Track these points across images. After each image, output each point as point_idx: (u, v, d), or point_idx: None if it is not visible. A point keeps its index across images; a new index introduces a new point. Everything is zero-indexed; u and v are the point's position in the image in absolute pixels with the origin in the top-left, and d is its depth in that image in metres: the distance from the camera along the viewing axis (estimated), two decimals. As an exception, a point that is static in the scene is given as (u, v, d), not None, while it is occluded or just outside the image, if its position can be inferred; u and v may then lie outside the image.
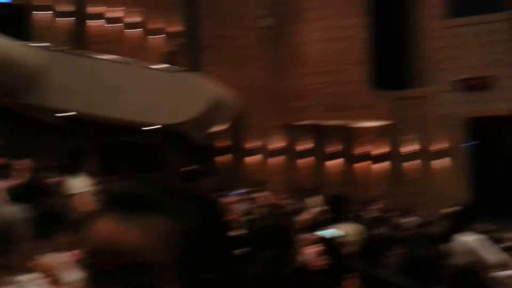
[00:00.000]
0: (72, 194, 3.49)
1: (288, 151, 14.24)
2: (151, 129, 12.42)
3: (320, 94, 13.62)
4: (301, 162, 14.20)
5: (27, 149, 8.89)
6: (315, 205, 7.52)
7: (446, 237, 4.78)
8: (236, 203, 8.05)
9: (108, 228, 0.62)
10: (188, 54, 13.66)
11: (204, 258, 0.64)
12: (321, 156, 14.11)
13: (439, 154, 13.60)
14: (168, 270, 0.61)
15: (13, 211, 1.73)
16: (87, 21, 13.87)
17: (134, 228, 0.62)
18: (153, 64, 12.59)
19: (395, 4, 14.14)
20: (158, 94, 11.65)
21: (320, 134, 14.10)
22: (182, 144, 13.13)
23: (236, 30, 14.06)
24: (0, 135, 10.66)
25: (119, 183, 0.67)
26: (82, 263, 0.63)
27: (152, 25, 14.20)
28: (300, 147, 14.22)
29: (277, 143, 14.26)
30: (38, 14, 13.77)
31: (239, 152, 14.25)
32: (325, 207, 5.45)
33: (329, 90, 13.51)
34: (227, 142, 14.31)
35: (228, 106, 13.23)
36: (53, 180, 6.60)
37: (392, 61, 13.66)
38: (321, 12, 13.81)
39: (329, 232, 3.22)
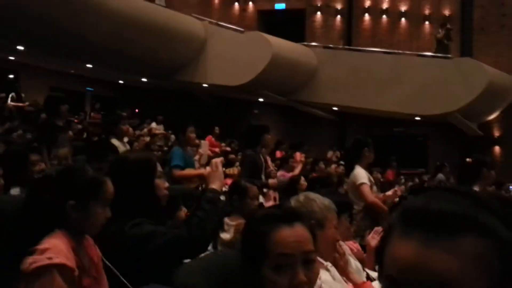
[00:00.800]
0: (360, 184, 3.64)
1: None
2: (419, 120, 12.13)
3: None
4: None
5: (303, 142, 9.65)
6: None
7: None
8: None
9: (412, 251, 0.55)
10: (459, 38, 12.87)
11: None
12: None
13: None
14: None
15: (326, 199, 1.88)
16: (356, 16, 14.23)
17: (444, 252, 0.54)
18: (422, 52, 12.24)
19: None
20: (428, 83, 11.28)
21: None
22: (451, 134, 12.48)
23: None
24: (280, 129, 11.80)
25: (417, 196, 0.59)
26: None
27: (421, 12, 13.77)
28: None
29: None
30: (311, 16, 14.71)
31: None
32: None
33: None
34: (502, 131, 13.04)
35: (505, 92, 12.05)
36: (330, 170, 7.04)
37: None
38: None
39: None
